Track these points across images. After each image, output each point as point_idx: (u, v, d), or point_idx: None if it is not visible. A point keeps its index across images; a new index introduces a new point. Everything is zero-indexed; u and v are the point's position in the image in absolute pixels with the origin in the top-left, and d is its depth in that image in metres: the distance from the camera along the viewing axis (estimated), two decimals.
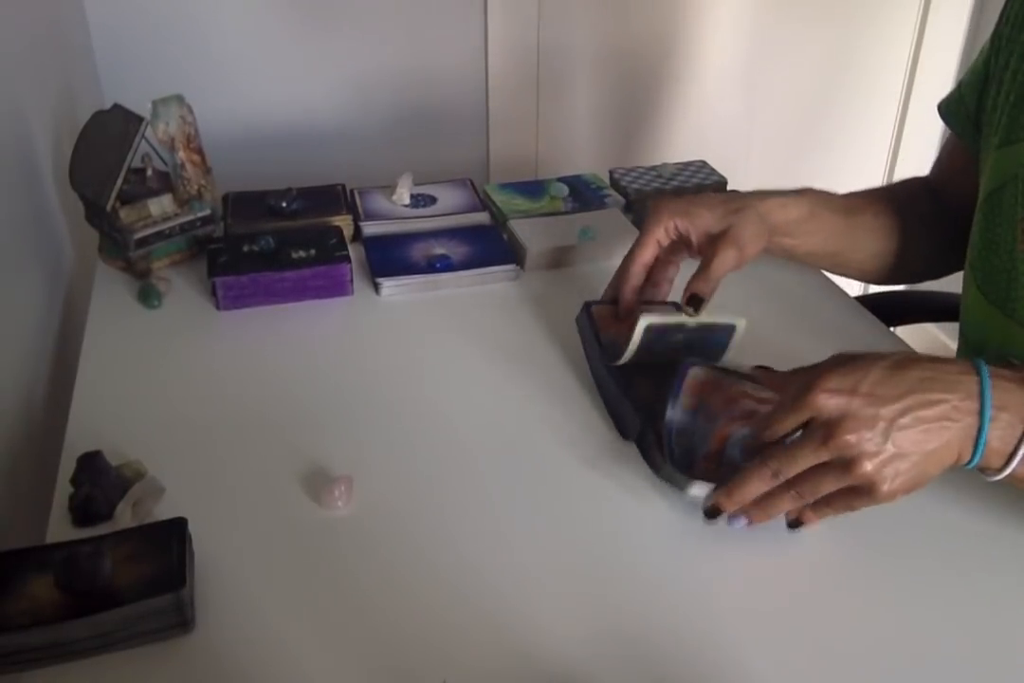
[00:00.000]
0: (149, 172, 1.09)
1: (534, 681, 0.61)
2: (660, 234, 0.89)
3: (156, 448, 0.80)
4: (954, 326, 0.99)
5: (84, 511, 0.71)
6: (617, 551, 0.71)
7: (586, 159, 2.05)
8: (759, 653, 0.63)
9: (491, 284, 1.08)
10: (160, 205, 1.07)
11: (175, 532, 0.67)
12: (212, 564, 0.68)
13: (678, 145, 2.13)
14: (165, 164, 1.09)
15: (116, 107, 1.04)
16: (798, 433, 0.67)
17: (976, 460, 0.65)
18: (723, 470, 0.72)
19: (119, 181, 1.01)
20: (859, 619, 0.66)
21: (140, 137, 1.00)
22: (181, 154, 1.08)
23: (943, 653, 0.64)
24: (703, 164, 1.31)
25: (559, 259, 1.11)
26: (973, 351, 0.92)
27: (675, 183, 1.25)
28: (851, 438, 0.63)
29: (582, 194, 1.23)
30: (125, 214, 1.05)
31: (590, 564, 0.70)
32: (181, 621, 0.63)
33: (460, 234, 1.14)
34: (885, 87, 2.23)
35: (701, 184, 1.25)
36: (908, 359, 0.67)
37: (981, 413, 0.64)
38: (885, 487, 0.64)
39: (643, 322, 0.82)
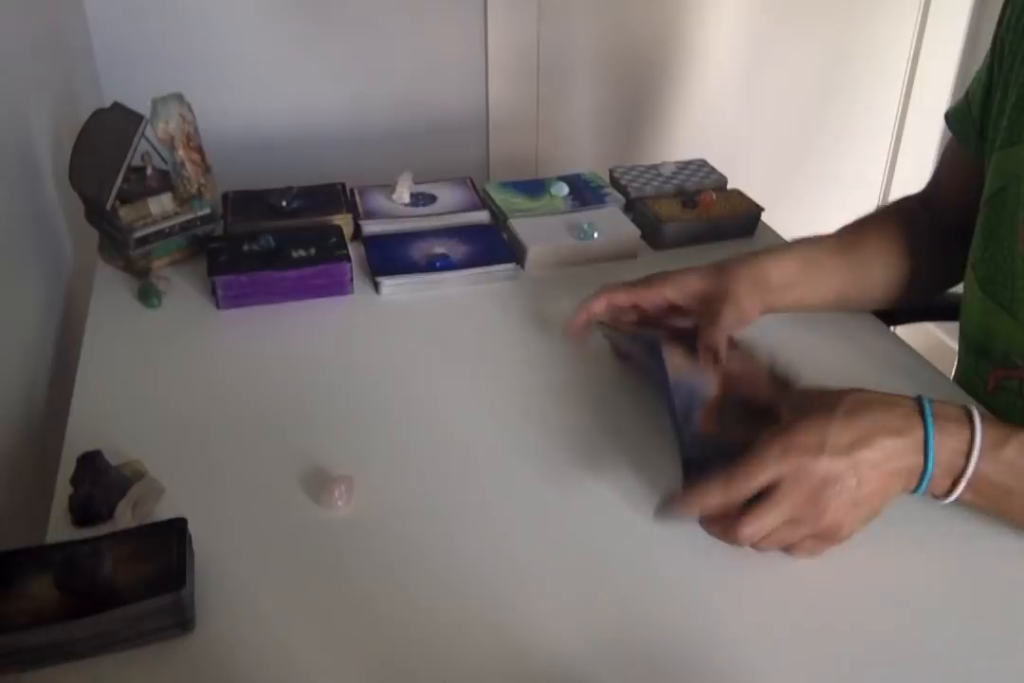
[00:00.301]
0: (149, 171, 1.09)
1: (534, 681, 0.61)
2: (620, 297, 0.90)
3: (156, 448, 0.80)
4: (954, 326, 0.99)
5: (84, 511, 0.71)
6: (617, 551, 0.71)
7: (586, 158, 2.05)
8: (759, 652, 0.63)
9: (491, 283, 1.08)
10: (160, 204, 1.07)
11: (175, 532, 0.67)
12: (212, 564, 0.68)
13: (678, 144, 2.13)
14: (165, 163, 1.09)
15: (116, 106, 1.04)
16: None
17: (922, 490, 0.69)
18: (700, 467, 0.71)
19: (119, 180, 1.01)
20: (861, 617, 0.66)
21: (140, 136, 1.00)
22: (181, 153, 1.07)
23: (947, 655, 0.64)
24: (703, 163, 1.31)
25: (559, 258, 1.11)
26: (974, 351, 0.92)
27: (675, 182, 1.25)
28: (829, 493, 0.66)
29: (582, 193, 1.23)
30: (125, 213, 1.04)
31: (590, 564, 0.70)
32: (181, 621, 0.63)
33: (460, 233, 1.14)
34: (885, 87, 2.23)
35: (701, 183, 1.25)
36: (860, 405, 0.69)
37: (925, 453, 0.68)
38: (846, 532, 0.68)
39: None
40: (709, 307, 0.86)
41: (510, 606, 0.66)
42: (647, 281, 0.90)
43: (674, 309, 0.90)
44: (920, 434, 0.68)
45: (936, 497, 0.70)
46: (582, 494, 0.77)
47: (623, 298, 0.90)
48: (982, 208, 0.90)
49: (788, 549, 0.70)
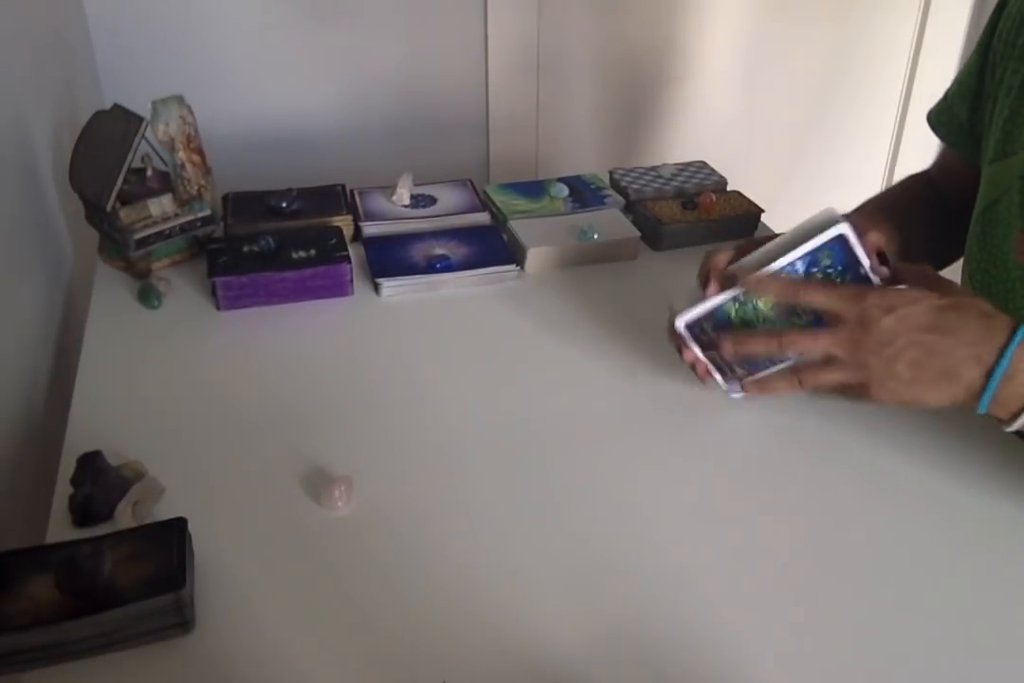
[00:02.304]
0: (149, 172, 1.09)
1: (533, 681, 0.61)
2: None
3: (156, 448, 0.80)
4: None
5: (84, 511, 0.71)
6: (617, 552, 0.71)
7: (586, 159, 2.05)
8: (759, 652, 0.63)
9: (491, 284, 1.08)
10: (160, 205, 1.07)
11: (175, 532, 0.67)
12: (212, 564, 0.68)
13: (678, 145, 2.13)
14: (165, 164, 1.09)
15: (116, 107, 1.04)
16: None
17: (983, 407, 0.69)
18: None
19: (119, 181, 1.01)
20: (862, 618, 0.66)
21: (140, 137, 1.00)
22: (181, 154, 1.07)
23: (947, 647, 0.64)
24: (703, 164, 1.31)
25: (559, 259, 1.11)
26: None
27: (675, 183, 1.25)
28: (870, 342, 0.70)
29: (582, 194, 1.23)
30: (125, 214, 1.05)
31: (590, 564, 0.70)
32: (181, 621, 0.63)
33: (460, 234, 1.14)
34: (885, 87, 2.23)
35: (701, 184, 1.25)
36: (958, 302, 0.71)
37: (994, 368, 0.68)
38: (875, 391, 0.71)
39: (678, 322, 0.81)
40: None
41: (510, 606, 0.66)
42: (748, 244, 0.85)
43: None
44: (1002, 341, 0.68)
45: (1002, 414, 0.70)
46: (582, 493, 0.77)
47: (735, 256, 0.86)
48: (976, 220, 0.91)
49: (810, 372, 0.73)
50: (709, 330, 0.80)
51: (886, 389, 0.71)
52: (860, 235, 0.76)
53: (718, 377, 0.83)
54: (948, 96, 0.99)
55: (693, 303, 0.80)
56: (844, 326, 0.71)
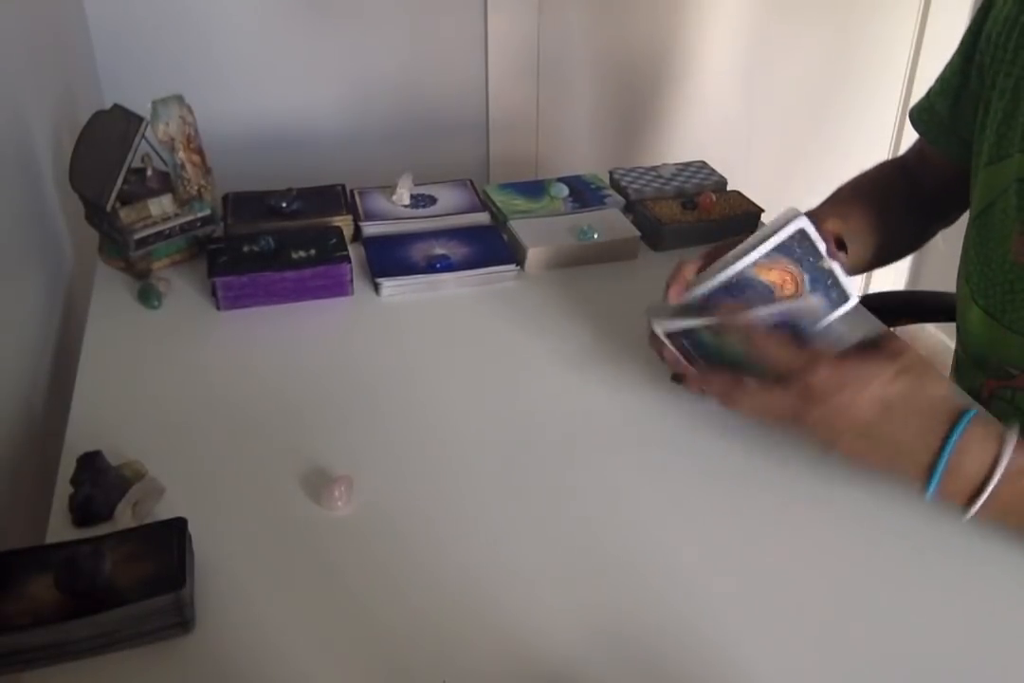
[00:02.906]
0: (149, 172, 1.09)
1: (534, 681, 0.61)
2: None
3: (156, 448, 0.80)
4: (954, 327, 0.99)
5: (84, 511, 0.71)
6: (617, 552, 0.71)
7: (586, 159, 2.05)
8: (759, 652, 0.63)
9: (491, 284, 1.08)
10: (160, 205, 1.07)
11: (175, 532, 0.67)
12: (212, 564, 0.68)
13: (678, 145, 2.13)
14: (165, 164, 1.09)
15: (116, 107, 1.04)
16: None
17: (929, 494, 0.68)
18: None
19: (119, 181, 1.01)
20: (862, 618, 0.66)
21: (140, 137, 1.00)
22: (181, 154, 1.08)
23: (943, 646, 0.64)
24: (703, 164, 1.31)
25: (559, 259, 1.11)
26: (972, 361, 0.93)
27: (675, 183, 1.25)
28: (815, 414, 0.69)
29: (582, 194, 1.23)
30: (125, 214, 1.05)
31: (590, 564, 0.70)
32: (181, 621, 0.63)
33: (460, 234, 1.14)
34: (885, 87, 2.23)
35: (701, 184, 1.25)
36: (908, 391, 0.70)
37: (940, 451, 0.67)
38: (813, 417, 0.70)
39: (658, 328, 0.79)
40: None
41: (510, 606, 0.66)
42: (722, 245, 0.86)
43: None
44: (946, 430, 0.68)
45: (960, 501, 0.68)
46: (582, 494, 0.77)
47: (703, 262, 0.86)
48: (972, 223, 0.92)
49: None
50: (686, 345, 0.79)
51: (825, 448, 0.72)
52: (818, 226, 0.77)
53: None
54: (930, 95, 1.02)
55: (668, 311, 0.79)
56: (790, 394, 0.70)
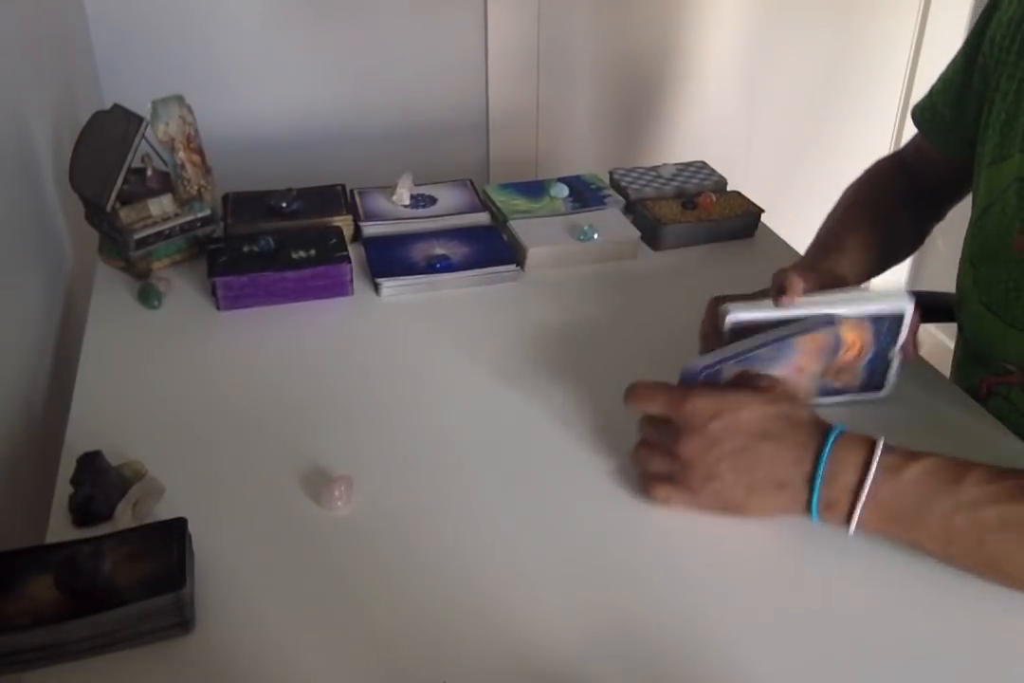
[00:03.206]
0: (149, 172, 1.09)
1: (534, 681, 0.61)
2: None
3: (156, 448, 0.80)
4: (954, 327, 0.99)
5: (84, 511, 0.71)
6: (617, 551, 0.71)
7: (586, 159, 2.05)
8: (758, 652, 0.63)
9: (491, 284, 1.08)
10: (160, 205, 1.07)
11: (175, 532, 0.67)
12: (212, 564, 0.68)
13: (678, 145, 2.13)
14: (165, 164, 1.09)
15: (116, 107, 1.04)
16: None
17: (814, 502, 0.68)
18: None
19: (119, 181, 1.01)
20: (862, 618, 0.66)
21: (140, 137, 1.00)
22: (181, 154, 1.08)
23: (944, 645, 0.64)
24: (703, 164, 1.31)
25: (559, 259, 1.11)
26: (971, 358, 0.94)
27: (675, 184, 1.25)
28: (697, 441, 0.70)
29: (582, 194, 1.23)
30: (125, 214, 1.05)
31: (590, 564, 0.70)
32: (181, 621, 0.63)
33: (460, 234, 1.14)
34: (885, 88, 2.23)
35: (701, 184, 1.25)
36: (783, 412, 0.71)
37: (817, 458, 0.68)
38: (697, 493, 0.71)
39: (731, 318, 0.78)
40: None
41: (510, 606, 0.66)
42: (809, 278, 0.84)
43: None
44: (815, 446, 0.69)
45: (838, 523, 0.69)
46: (582, 494, 0.77)
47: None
48: (975, 223, 0.92)
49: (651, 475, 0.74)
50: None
51: (708, 491, 0.71)
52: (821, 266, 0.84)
53: None
54: (932, 93, 1.03)
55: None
56: (671, 430, 0.71)
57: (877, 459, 0.66)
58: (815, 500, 0.68)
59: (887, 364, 0.83)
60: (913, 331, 0.82)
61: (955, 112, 0.99)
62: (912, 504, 0.66)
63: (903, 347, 0.82)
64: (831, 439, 0.68)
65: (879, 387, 0.84)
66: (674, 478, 0.72)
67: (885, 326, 0.79)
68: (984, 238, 0.91)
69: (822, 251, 0.96)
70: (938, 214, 1.09)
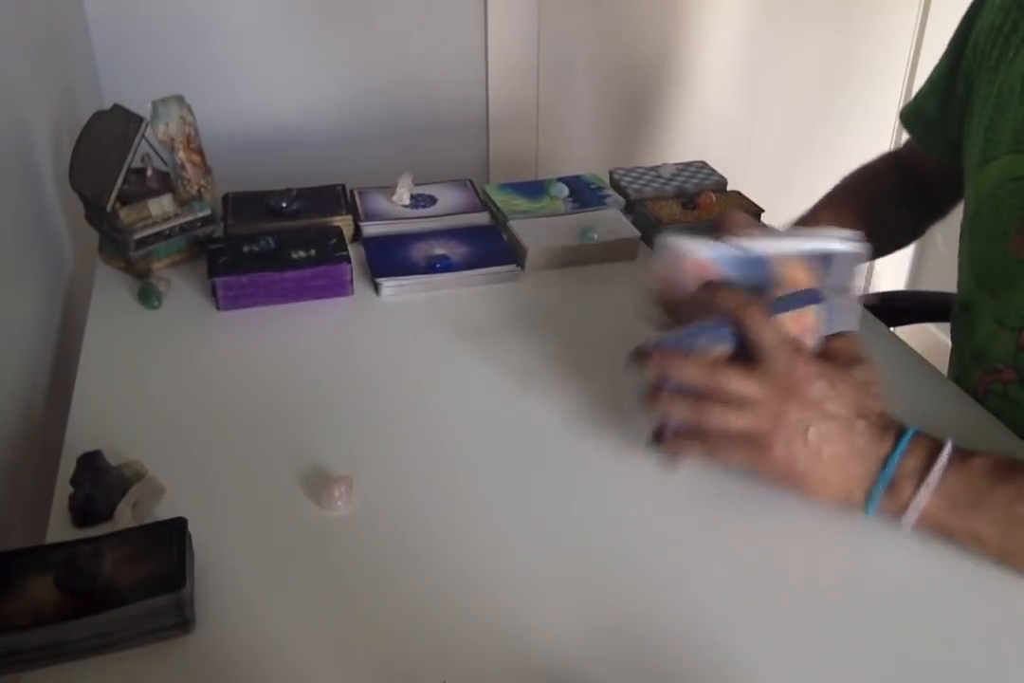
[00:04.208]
0: (149, 172, 1.09)
1: (534, 681, 0.61)
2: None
3: (156, 448, 0.80)
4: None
5: (84, 511, 0.71)
6: (617, 551, 0.71)
7: (586, 159, 2.05)
8: (760, 652, 0.63)
9: (491, 284, 1.08)
10: (160, 205, 1.07)
11: (175, 532, 0.67)
12: (212, 564, 0.68)
13: (678, 145, 2.13)
14: (165, 164, 1.09)
15: (116, 107, 1.04)
16: None
17: (880, 489, 0.67)
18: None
19: (119, 181, 1.01)
20: (863, 618, 0.66)
21: (140, 137, 1.00)
22: (181, 154, 1.08)
23: (944, 646, 0.64)
24: (703, 164, 1.31)
25: (559, 259, 1.11)
26: (968, 357, 0.94)
27: (675, 183, 1.25)
28: (800, 393, 0.68)
29: (582, 194, 1.23)
30: (125, 214, 1.05)
31: (590, 564, 0.70)
32: (181, 621, 0.63)
33: (460, 234, 1.14)
34: (885, 88, 2.23)
35: (701, 184, 1.25)
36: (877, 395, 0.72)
37: (884, 465, 0.67)
38: (775, 450, 0.68)
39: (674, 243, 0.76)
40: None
41: (510, 606, 0.66)
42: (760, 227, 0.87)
43: None
44: (895, 433, 0.69)
45: (896, 510, 0.68)
46: (582, 494, 0.77)
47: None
48: (967, 224, 0.93)
49: (712, 447, 0.70)
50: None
51: (780, 454, 0.68)
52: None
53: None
54: (918, 97, 1.04)
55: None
56: (776, 373, 0.68)
57: (948, 448, 0.67)
58: (882, 482, 0.67)
59: (840, 306, 0.77)
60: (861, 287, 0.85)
61: (941, 115, 1.00)
62: (976, 491, 0.66)
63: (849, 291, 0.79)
64: (910, 432, 0.68)
65: (848, 327, 0.79)
66: (749, 435, 0.69)
67: (834, 267, 0.76)
68: (979, 239, 0.92)
69: (819, 212, 1.01)
70: (938, 211, 1.11)
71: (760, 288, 0.75)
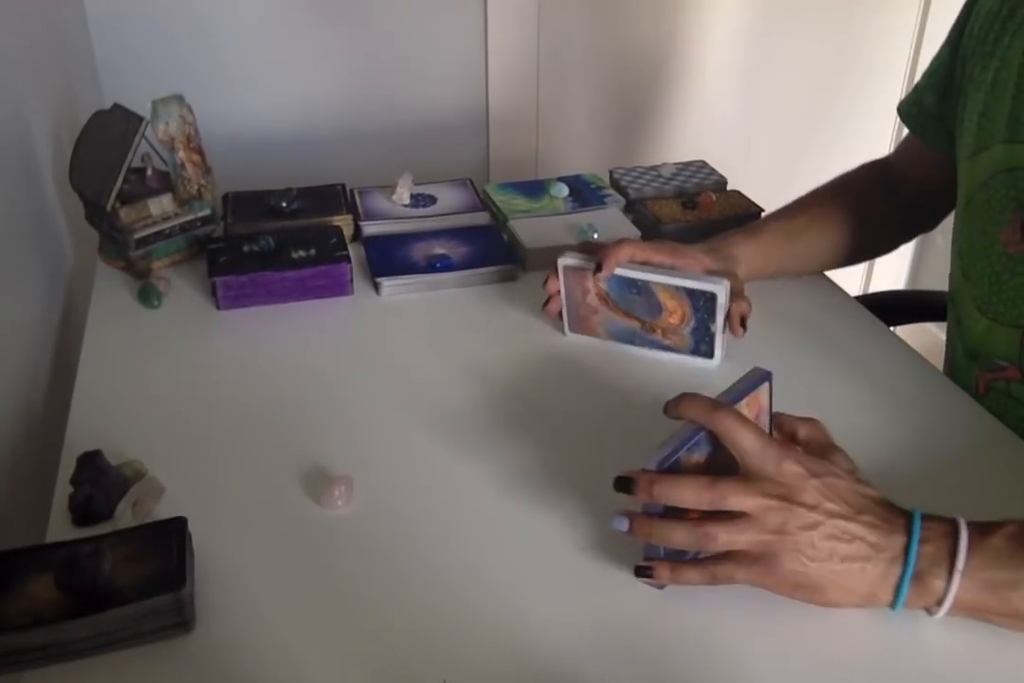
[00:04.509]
0: (149, 172, 1.09)
1: (534, 681, 0.61)
2: (643, 254, 0.92)
3: (156, 448, 0.80)
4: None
5: (84, 511, 0.71)
6: (617, 550, 0.71)
7: (586, 159, 2.05)
8: (760, 652, 0.63)
9: (491, 284, 1.08)
10: (160, 205, 1.07)
11: (175, 532, 0.67)
12: (212, 564, 0.68)
13: (678, 145, 2.13)
14: (165, 164, 1.09)
15: (116, 107, 1.04)
16: None
17: (906, 583, 0.62)
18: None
19: (119, 181, 1.01)
20: (863, 618, 0.66)
21: (140, 137, 1.00)
22: (181, 154, 1.08)
23: (946, 646, 0.64)
24: (703, 164, 1.31)
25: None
26: (966, 355, 0.93)
27: (675, 183, 1.25)
28: (797, 538, 0.62)
29: (582, 194, 1.23)
30: (125, 214, 1.05)
31: (590, 563, 0.70)
32: (181, 621, 0.63)
33: (460, 234, 1.14)
34: (885, 87, 2.23)
35: (701, 184, 1.25)
36: (863, 484, 0.66)
37: (905, 559, 0.62)
38: (783, 561, 0.62)
39: (561, 261, 0.92)
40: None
41: (511, 605, 0.66)
42: (668, 248, 0.93)
43: None
44: (903, 522, 0.63)
45: (927, 604, 0.63)
46: (582, 493, 0.77)
47: (645, 256, 0.92)
48: (960, 216, 0.93)
49: (713, 567, 0.64)
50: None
51: (798, 563, 0.62)
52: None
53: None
54: (918, 88, 1.03)
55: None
56: (767, 480, 0.63)
57: (964, 528, 0.62)
58: (907, 576, 0.62)
59: (711, 336, 0.90)
60: (738, 314, 0.90)
61: (941, 105, 0.99)
62: (1006, 567, 0.61)
63: (728, 326, 0.90)
64: (917, 516, 0.63)
65: (709, 355, 0.91)
66: (754, 553, 0.63)
67: (701, 302, 0.88)
68: (970, 231, 0.91)
69: (736, 232, 1.02)
70: (921, 226, 1.11)
71: (635, 308, 0.91)
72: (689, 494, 0.63)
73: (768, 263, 1.01)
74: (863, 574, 0.62)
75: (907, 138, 1.10)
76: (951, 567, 0.61)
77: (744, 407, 0.69)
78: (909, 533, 0.62)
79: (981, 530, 0.63)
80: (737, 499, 0.62)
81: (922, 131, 1.03)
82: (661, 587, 0.67)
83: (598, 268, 0.89)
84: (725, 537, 0.62)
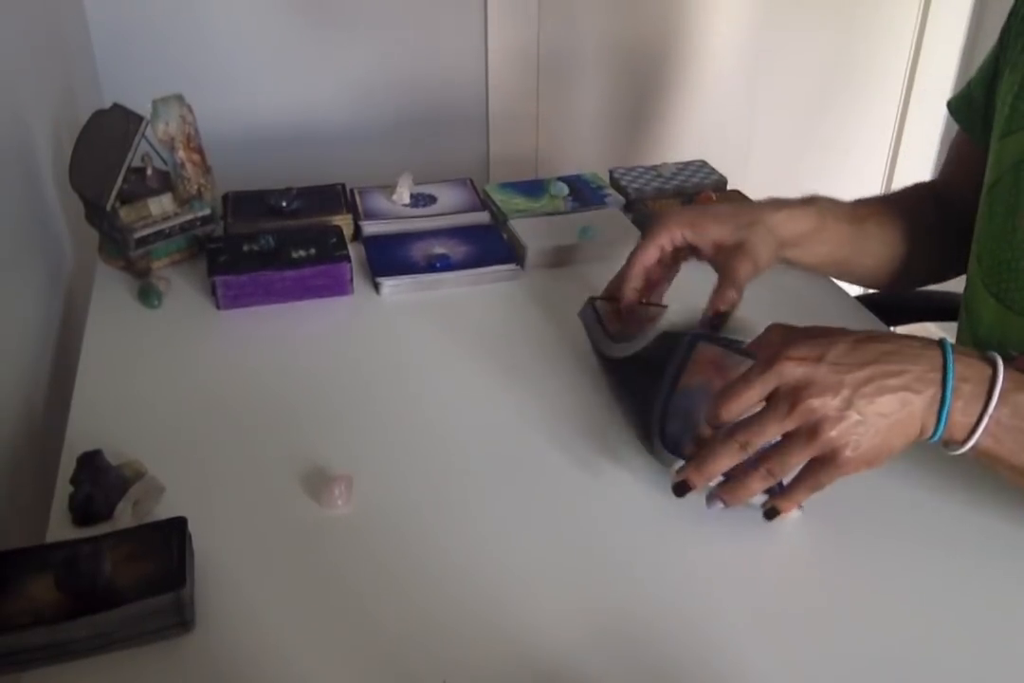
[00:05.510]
0: (149, 171, 1.09)
1: (534, 681, 0.61)
2: (664, 241, 0.90)
3: (156, 448, 0.80)
4: (954, 326, 0.99)
5: (84, 511, 0.71)
6: (617, 550, 0.71)
7: (586, 159, 2.05)
8: (759, 651, 0.63)
9: (491, 283, 1.08)
10: (160, 204, 1.07)
11: (175, 532, 0.67)
12: (212, 564, 0.68)
13: (678, 145, 2.13)
14: (165, 163, 1.09)
15: (116, 107, 1.04)
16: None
17: (940, 431, 0.65)
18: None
19: (119, 181, 1.01)
20: (864, 618, 0.66)
21: (140, 136, 1.00)
22: (181, 153, 1.07)
23: (945, 646, 0.64)
24: (703, 164, 1.31)
25: (559, 258, 1.11)
26: (977, 346, 0.93)
27: (675, 182, 1.25)
28: (815, 403, 0.63)
29: (582, 193, 1.23)
30: (125, 214, 1.05)
31: (590, 563, 0.70)
32: (181, 621, 0.63)
33: (460, 234, 1.14)
34: (885, 88, 2.23)
35: (701, 184, 1.25)
36: (873, 334, 0.68)
37: (944, 383, 0.64)
38: (848, 453, 0.64)
39: (659, 329, 0.83)
40: (727, 259, 0.87)
41: (510, 605, 0.66)
42: (675, 222, 0.90)
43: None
44: (939, 362, 0.65)
45: (954, 441, 0.65)
46: (582, 493, 0.77)
47: (666, 242, 0.89)
48: (983, 199, 0.90)
49: (793, 487, 0.67)
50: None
51: (856, 436, 0.64)
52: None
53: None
54: (971, 84, 0.98)
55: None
56: (782, 396, 0.65)
57: (997, 358, 0.65)
58: (941, 428, 0.64)
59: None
60: (714, 308, 0.84)
61: (987, 97, 0.94)
62: None
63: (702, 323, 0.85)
64: (948, 344, 0.66)
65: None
66: (805, 441, 0.64)
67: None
68: (991, 215, 0.88)
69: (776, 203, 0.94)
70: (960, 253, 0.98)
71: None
72: (724, 456, 0.67)
73: (825, 254, 0.95)
74: (910, 420, 0.64)
75: (953, 146, 1.04)
76: (984, 408, 0.63)
77: (696, 375, 0.72)
78: (944, 364, 0.64)
79: (1015, 382, 0.65)
80: (776, 416, 0.65)
81: (968, 125, 0.98)
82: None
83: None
84: (780, 460, 0.66)
